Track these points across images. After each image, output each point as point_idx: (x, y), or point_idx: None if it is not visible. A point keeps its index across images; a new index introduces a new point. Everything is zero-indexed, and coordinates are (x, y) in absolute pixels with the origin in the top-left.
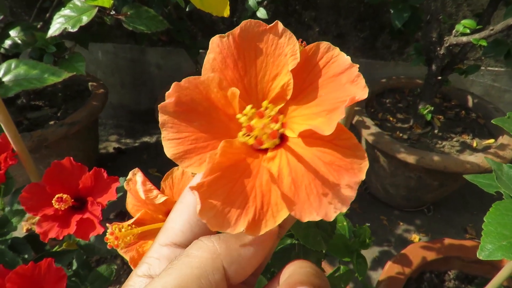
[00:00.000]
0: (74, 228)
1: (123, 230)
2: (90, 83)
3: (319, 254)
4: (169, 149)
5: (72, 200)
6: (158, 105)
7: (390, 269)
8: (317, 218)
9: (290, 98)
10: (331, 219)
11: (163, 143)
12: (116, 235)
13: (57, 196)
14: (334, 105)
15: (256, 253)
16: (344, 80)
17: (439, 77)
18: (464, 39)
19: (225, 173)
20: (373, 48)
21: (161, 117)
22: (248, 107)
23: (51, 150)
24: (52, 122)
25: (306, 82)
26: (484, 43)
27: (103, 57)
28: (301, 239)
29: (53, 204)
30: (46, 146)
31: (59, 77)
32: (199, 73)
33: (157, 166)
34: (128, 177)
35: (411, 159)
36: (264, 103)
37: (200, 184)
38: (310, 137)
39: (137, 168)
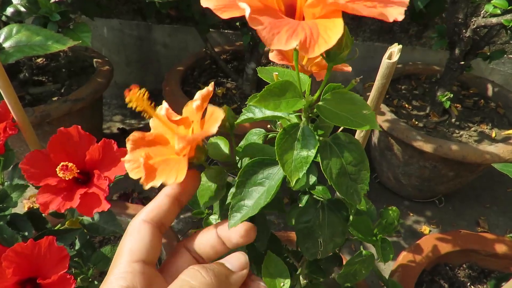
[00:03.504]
0: (78, 202)
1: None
2: (95, 60)
3: (344, 225)
4: None
5: (77, 172)
6: None
7: (404, 259)
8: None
9: None
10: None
11: None
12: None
13: (62, 164)
14: None
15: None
16: None
17: (462, 62)
18: (494, 20)
19: (267, 10)
20: (390, 31)
21: None
22: None
23: (53, 127)
24: (55, 98)
25: None
26: None
27: (108, 33)
28: (334, 186)
29: (57, 173)
30: (48, 123)
31: (63, 44)
32: (208, 52)
33: None
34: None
35: (428, 147)
36: None
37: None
38: None
39: (163, 101)
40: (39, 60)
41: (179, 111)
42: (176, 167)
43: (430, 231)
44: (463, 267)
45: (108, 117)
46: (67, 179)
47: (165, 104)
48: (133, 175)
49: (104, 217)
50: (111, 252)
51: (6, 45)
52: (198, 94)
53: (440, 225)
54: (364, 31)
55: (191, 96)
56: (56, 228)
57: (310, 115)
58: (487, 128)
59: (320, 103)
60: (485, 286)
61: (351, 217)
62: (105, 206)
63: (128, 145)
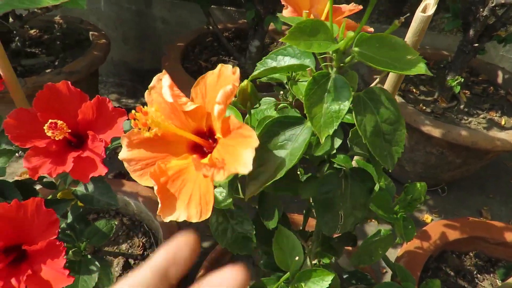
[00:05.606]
0: (71, 166)
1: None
2: (91, 33)
3: (366, 197)
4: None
5: (68, 132)
6: None
7: (410, 245)
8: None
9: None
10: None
11: None
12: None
13: (50, 121)
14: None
15: None
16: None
17: (476, 44)
18: None
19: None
20: (399, 13)
21: None
22: None
23: None
24: (48, 70)
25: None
26: None
27: (105, 7)
28: (369, 145)
29: (45, 132)
30: None
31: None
32: (210, 28)
33: None
34: (152, 84)
35: (436, 132)
36: None
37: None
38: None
39: (164, 71)
40: (32, 31)
41: (179, 88)
42: (197, 193)
43: (432, 220)
44: (470, 255)
45: (104, 95)
46: (57, 139)
47: (166, 79)
48: (139, 179)
49: (99, 187)
50: (105, 226)
51: None
52: (221, 94)
53: (442, 214)
54: (372, 12)
55: (191, 73)
56: (48, 198)
57: (341, 64)
58: (496, 116)
59: (355, 48)
60: (492, 275)
61: (376, 187)
62: (102, 170)
63: (124, 141)
